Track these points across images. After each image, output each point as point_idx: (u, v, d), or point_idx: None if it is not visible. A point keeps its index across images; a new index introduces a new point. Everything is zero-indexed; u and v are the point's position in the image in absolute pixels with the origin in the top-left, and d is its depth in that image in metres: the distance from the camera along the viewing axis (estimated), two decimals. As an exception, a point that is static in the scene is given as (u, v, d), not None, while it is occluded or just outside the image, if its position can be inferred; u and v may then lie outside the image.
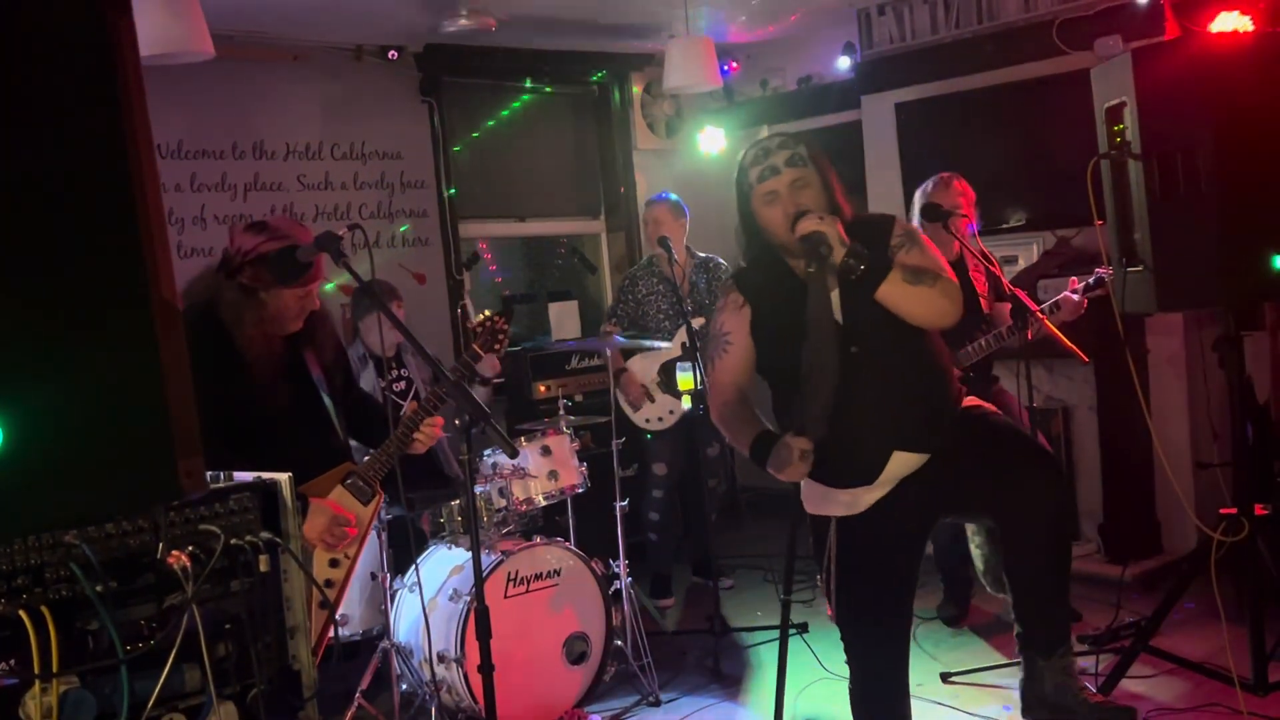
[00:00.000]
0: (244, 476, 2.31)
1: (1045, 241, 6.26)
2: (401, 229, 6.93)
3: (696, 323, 5.86)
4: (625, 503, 5.21)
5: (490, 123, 7.61)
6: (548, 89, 7.86)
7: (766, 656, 5.13)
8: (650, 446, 6.08)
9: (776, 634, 5.32)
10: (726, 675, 5.02)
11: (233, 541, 2.19)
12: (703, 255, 6.09)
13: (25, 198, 1.43)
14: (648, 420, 6.00)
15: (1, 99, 1.41)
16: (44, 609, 1.94)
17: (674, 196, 6.14)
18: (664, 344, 5.82)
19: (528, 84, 7.70)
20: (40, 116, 1.44)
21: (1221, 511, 3.97)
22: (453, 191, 7.16)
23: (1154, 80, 3.79)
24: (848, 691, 3.55)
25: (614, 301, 6.24)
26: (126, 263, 1.49)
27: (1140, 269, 3.92)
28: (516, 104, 7.75)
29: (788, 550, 4.23)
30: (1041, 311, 4.92)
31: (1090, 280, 4.89)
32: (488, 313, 4.01)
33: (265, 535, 2.24)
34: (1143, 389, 4.21)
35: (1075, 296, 4.90)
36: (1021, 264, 6.23)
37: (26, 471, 1.41)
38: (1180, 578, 4.26)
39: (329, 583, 3.63)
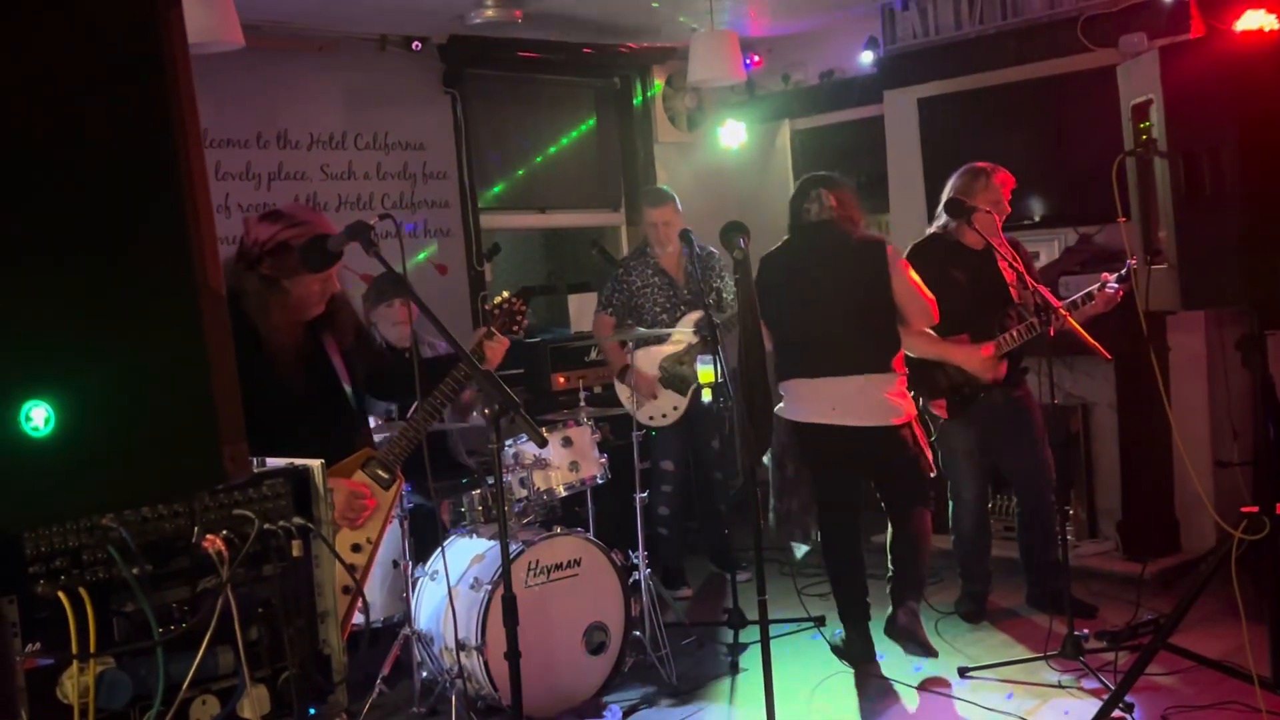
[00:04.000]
0: (277, 463, 2.34)
1: (1067, 238, 6.26)
2: (422, 256, 6.93)
3: (692, 317, 5.88)
4: (645, 494, 5.23)
5: (512, 114, 7.63)
6: (570, 81, 7.87)
7: (784, 648, 5.15)
8: (656, 443, 6.06)
9: (794, 626, 5.37)
10: (744, 667, 5.04)
11: (266, 527, 2.21)
12: (700, 247, 6.06)
13: (74, 185, 1.45)
14: (651, 418, 6.00)
15: (54, 87, 1.43)
16: (82, 591, 1.97)
17: (666, 189, 6.25)
18: (685, 331, 5.84)
19: (550, 76, 7.71)
20: (91, 104, 1.46)
21: (1242, 510, 3.96)
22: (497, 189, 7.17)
23: (1181, 78, 3.77)
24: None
25: (608, 292, 6.15)
26: (174, 250, 1.51)
27: (1164, 267, 3.92)
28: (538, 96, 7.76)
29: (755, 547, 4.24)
30: (1074, 303, 4.94)
31: (1122, 272, 4.91)
32: (505, 294, 3.99)
33: (298, 520, 2.27)
34: (1164, 387, 4.21)
35: (1111, 289, 4.93)
36: (1046, 260, 6.23)
37: (75, 455, 1.42)
38: (1199, 576, 4.26)
39: (351, 567, 3.66)
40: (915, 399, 5.19)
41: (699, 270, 5.91)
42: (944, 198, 5.23)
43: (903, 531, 4.96)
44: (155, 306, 1.50)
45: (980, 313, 5.14)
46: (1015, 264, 4.99)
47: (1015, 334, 5.06)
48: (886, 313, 4.79)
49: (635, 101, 7.99)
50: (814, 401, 4.81)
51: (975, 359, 5.05)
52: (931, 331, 5.08)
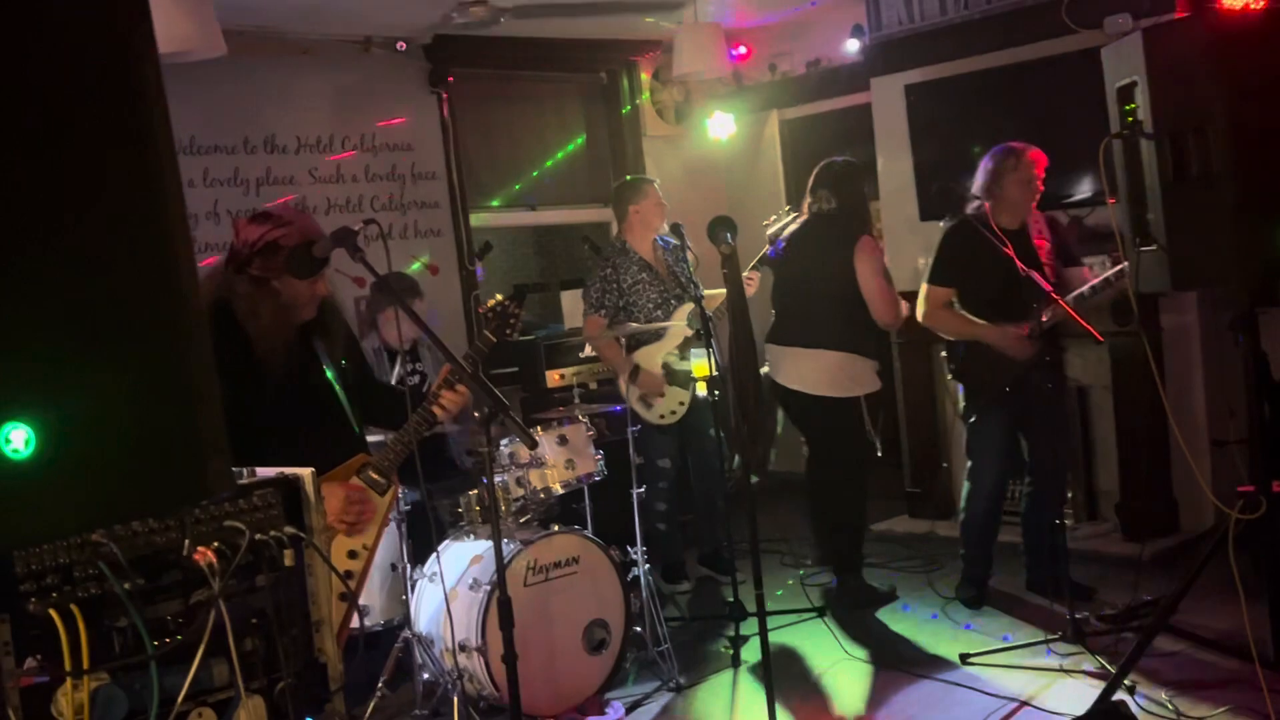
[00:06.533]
0: (267, 473, 2.33)
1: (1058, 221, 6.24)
2: (415, 265, 6.92)
3: (683, 311, 5.85)
4: (642, 489, 5.22)
5: (499, 112, 7.62)
6: (557, 78, 7.86)
7: (786, 640, 5.15)
8: (651, 439, 6.02)
9: (795, 618, 5.38)
10: (745, 660, 5.04)
11: (257, 537, 2.20)
12: (669, 240, 5.97)
13: (49, 201, 1.44)
14: (662, 416, 5.96)
15: (26, 101, 1.42)
16: (74, 607, 1.96)
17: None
18: (678, 323, 5.82)
19: (537, 73, 7.69)
20: (66, 125, 1.45)
21: (1239, 489, 3.96)
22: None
23: (1166, 58, 3.77)
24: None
25: (597, 294, 5.95)
26: (153, 264, 1.50)
27: (1154, 248, 3.91)
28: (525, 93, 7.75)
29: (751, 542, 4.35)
30: (1089, 292, 4.90)
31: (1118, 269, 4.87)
32: (499, 297, 3.98)
33: (289, 530, 2.26)
34: (1158, 368, 4.21)
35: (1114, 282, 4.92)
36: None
37: (56, 476, 1.42)
38: (1198, 556, 4.26)
39: (348, 574, 3.64)
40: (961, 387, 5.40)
41: (691, 259, 5.88)
42: (976, 180, 5.20)
43: (827, 499, 5.65)
44: (135, 322, 1.49)
45: (1014, 292, 5.00)
46: (1039, 240, 4.99)
47: (1052, 313, 4.94)
48: (858, 299, 5.37)
49: (622, 96, 7.97)
50: (780, 366, 5.56)
51: (1009, 338, 5.01)
52: (965, 312, 5.08)
